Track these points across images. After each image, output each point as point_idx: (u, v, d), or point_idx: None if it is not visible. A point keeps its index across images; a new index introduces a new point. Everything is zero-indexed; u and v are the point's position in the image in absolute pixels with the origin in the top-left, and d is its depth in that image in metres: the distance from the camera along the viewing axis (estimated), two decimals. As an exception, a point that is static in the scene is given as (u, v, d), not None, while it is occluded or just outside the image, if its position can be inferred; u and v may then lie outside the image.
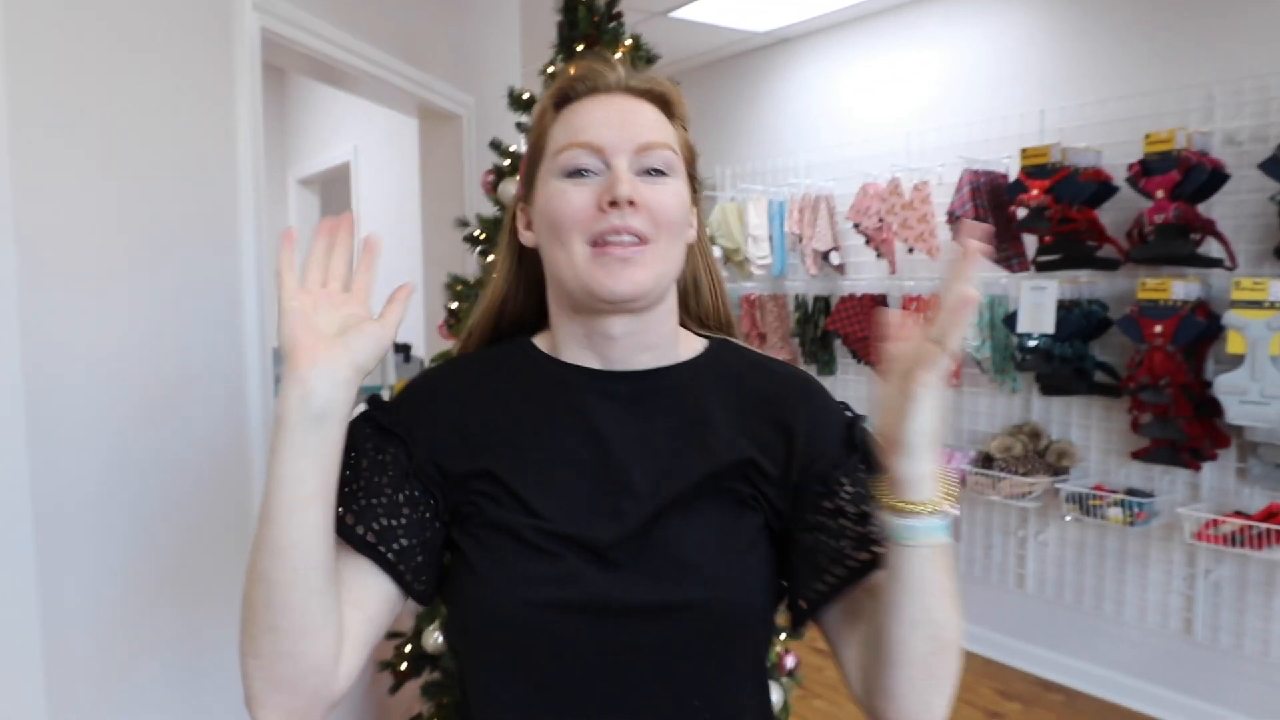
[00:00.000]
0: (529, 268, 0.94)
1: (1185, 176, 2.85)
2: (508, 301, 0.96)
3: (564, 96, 0.89)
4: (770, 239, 4.50)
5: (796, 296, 4.54)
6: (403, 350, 3.92)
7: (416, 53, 2.85)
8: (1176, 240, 2.89)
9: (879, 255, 4.05)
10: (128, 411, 1.57)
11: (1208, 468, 3.09)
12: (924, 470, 0.74)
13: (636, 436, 0.86)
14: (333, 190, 5.56)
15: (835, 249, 4.26)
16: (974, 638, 3.95)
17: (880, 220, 3.93)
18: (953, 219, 3.55)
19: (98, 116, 1.52)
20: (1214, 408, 2.87)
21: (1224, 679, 3.14)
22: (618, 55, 1.97)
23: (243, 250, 1.93)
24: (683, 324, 0.97)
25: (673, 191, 0.85)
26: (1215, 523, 2.95)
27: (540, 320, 0.95)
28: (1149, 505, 3.14)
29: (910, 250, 3.82)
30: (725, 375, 0.92)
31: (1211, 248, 2.97)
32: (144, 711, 1.60)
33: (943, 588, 0.77)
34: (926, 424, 0.73)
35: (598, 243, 0.82)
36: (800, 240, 4.36)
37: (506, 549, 0.81)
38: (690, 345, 0.95)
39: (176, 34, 1.74)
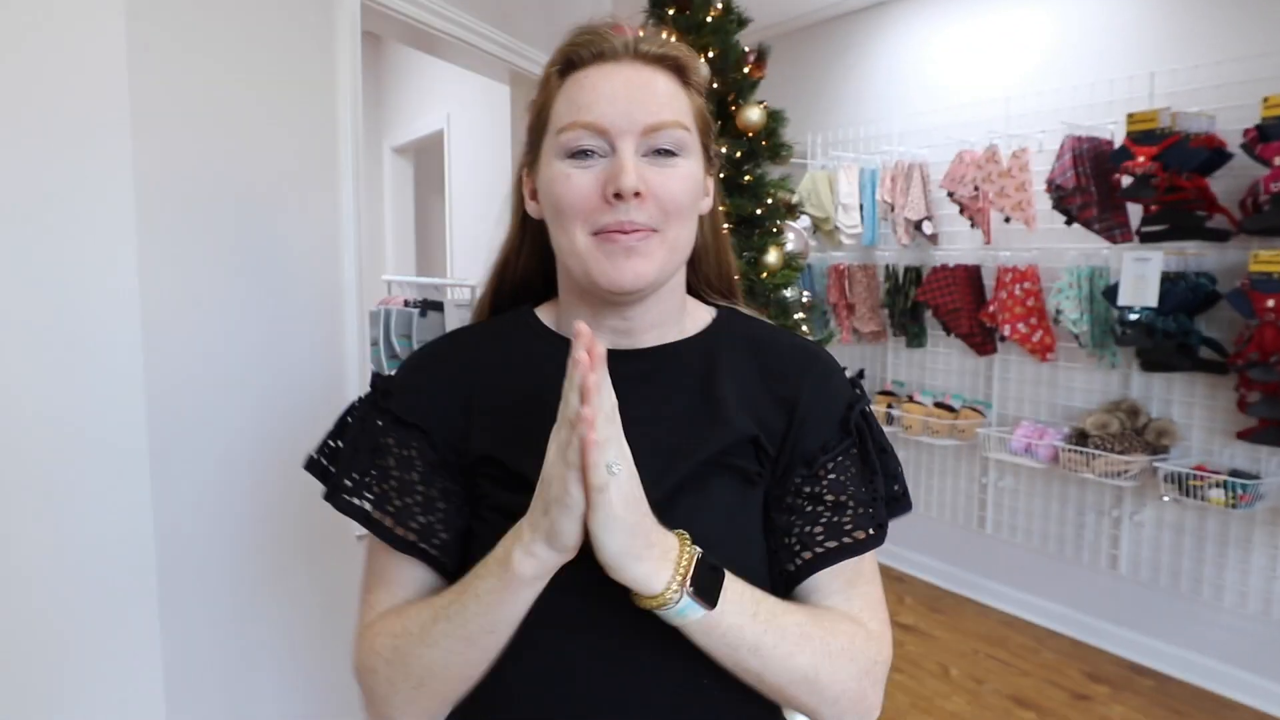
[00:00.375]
0: (534, 233, 0.91)
1: (1306, 143, 2.69)
2: (509, 265, 0.94)
3: (569, 62, 0.82)
4: (861, 208, 4.42)
5: (887, 267, 4.45)
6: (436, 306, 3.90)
7: (508, 18, 2.87)
8: (1294, 210, 2.74)
9: (973, 225, 3.94)
10: (237, 391, 1.63)
11: (1320, 450, 2.94)
12: (638, 571, 0.71)
13: (644, 416, 0.82)
14: (426, 158, 5.67)
15: (928, 218, 4.17)
16: (1062, 618, 3.86)
17: (976, 189, 3.82)
18: (1052, 188, 3.43)
19: (208, 91, 1.59)
20: (1329, 387, 2.73)
21: (1330, 670, 3.01)
22: (708, 19, 1.96)
23: (343, 219, 2.00)
24: (692, 290, 0.94)
25: (683, 175, 0.81)
26: (1326, 507, 2.81)
27: (544, 285, 0.93)
28: (1254, 487, 3.01)
29: (1007, 220, 3.71)
30: (734, 348, 0.89)
31: (1333, 218, 2.81)
32: (257, 701, 1.68)
33: (745, 644, 0.75)
34: (609, 539, 0.69)
35: (600, 232, 0.79)
36: (892, 209, 4.28)
37: (509, 527, 0.79)
38: (698, 317, 0.92)
39: (279, 4, 1.80)
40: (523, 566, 0.71)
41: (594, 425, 0.65)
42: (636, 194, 0.77)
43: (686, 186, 0.81)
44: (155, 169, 1.45)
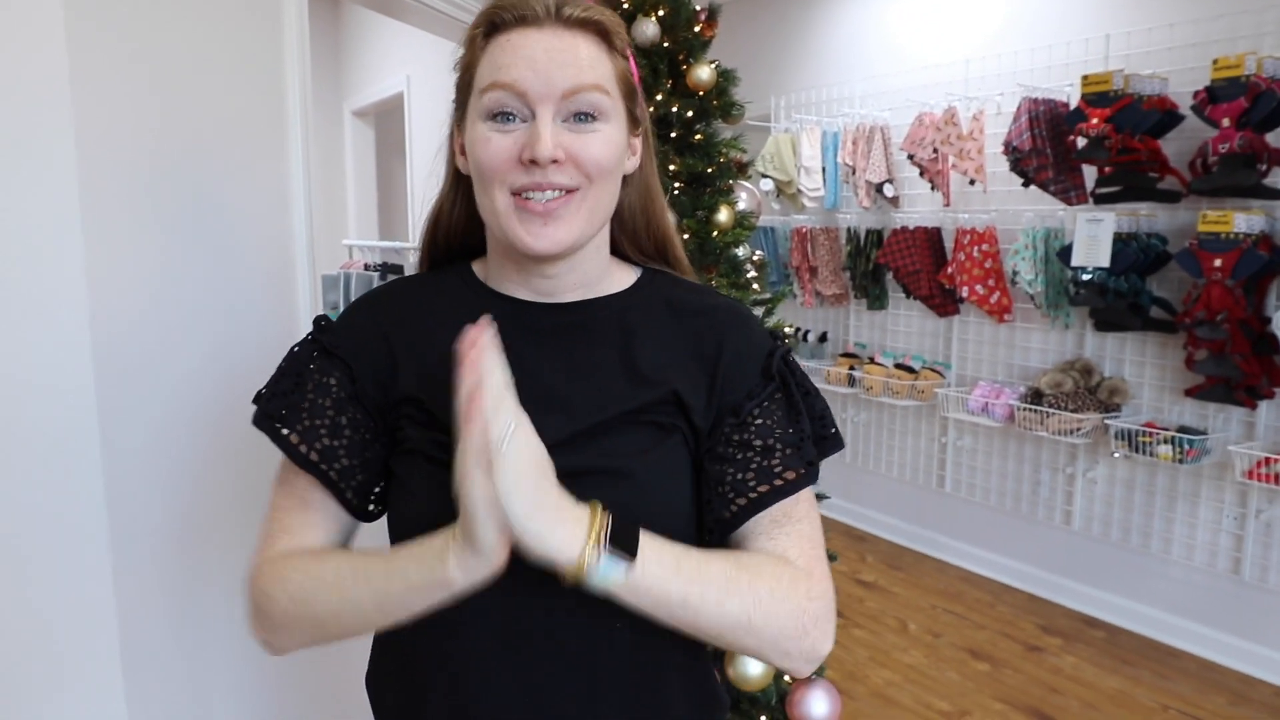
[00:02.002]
0: (466, 187, 0.92)
1: (1253, 104, 2.74)
2: (442, 215, 0.96)
3: (492, 25, 0.83)
4: (823, 170, 4.44)
5: (849, 229, 4.48)
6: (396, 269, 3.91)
7: (464, -22, 2.84)
8: (1241, 170, 2.79)
9: (933, 188, 3.97)
10: (187, 352, 1.62)
11: (1264, 406, 3.02)
12: (552, 541, 0.71)
13: (565, 367, 0.86)
14: (387, 121, 5.60)
15: (889, 181, 4.19)
16: (1018, 573, 3.95)
17: (935, 151, 3.85)
18: (1009, 150, 3.46)
19: (149, 52, 1.56)
20: (1272, 344, 2.80)
21: (1272, 619, 3.11)
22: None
23: (292, 181, 1.98)
24: (621, 252, 0.96)
25: (602, 140, 0.82)
26: (1268, 461, 2.89)
27: (480, 239, 0.94)
28: (1199, 443, 3.09)
29: (972, 182, 3.74)
30: (654, 306, 0.92)
31: (1279, 179, 2.86)
32: (206, 626, 1.70)
33: (666, 602, 0.76)
34: (513, 505, 0.70)
35: (519, 194, 0.81)
36: (853, 172, 4.30)
37: (432, 471, 0.81)
38: (622, 277, 0.94)
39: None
40: (454, 573, 0.73)
41: (479, 397, 0.68)
42: (554, 161, 0.79)
43: (606, 151, 0.82)
44: (96, 133, 1.43)
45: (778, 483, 0.85)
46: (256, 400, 0.90)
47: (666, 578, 0.76)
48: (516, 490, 0.69)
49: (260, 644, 0.87)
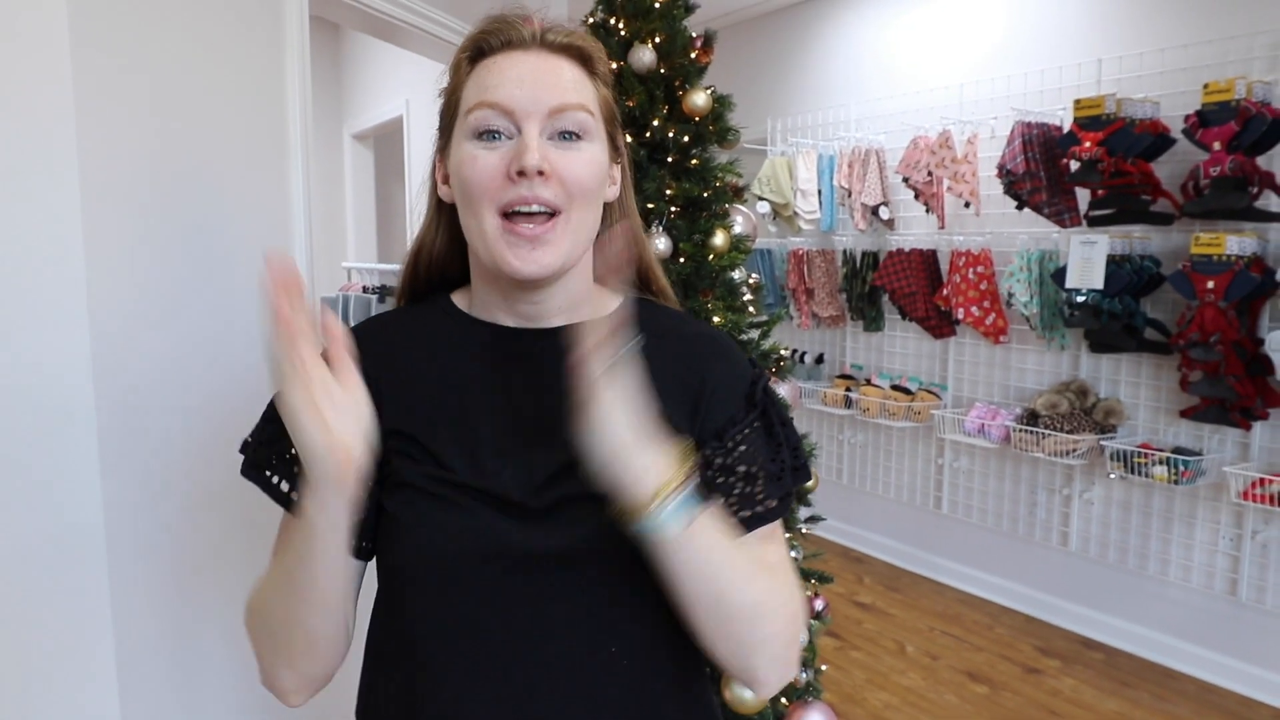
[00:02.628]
0: (449, 218, 0.93)
1: (1244, 128, 2.77)
2: (424, 248, 0.96)
3: (478, 50, 0.85)
4: (819, 193, 4.47)
5: (845, 251, 4.51)
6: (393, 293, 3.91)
7: (462, 4, 2.87)
8: (1232, 194, 2.81)
9: (928, 210, 4.00)
10: (183, 369, 1.64)
11: (1258, 427, 3.03)
12: (639, 462, 0.72)
13: (548, 392, 0.85)
14: (386, 145, 5.64)
15: (884, 203, 4.22)
16: (1015, 595, 3.95)
17: (929, 174, 3.88)
18: (1003, 173, 3.49)
19: (153, 76, 1.58)
20: (1266, 366, 2.81)
21: (1269, 640, 3.11)
22: (656, 5, 1.97)
23: (293, 204, 1.99)
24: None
25: (587, 159, 0.83)
26: (1263, 481, 2.90)
27: (460, 272, 0.95)
28: (1195, 464, 3.10)
29: (966, 205, 3.77)
30: (636, 330, 0.90)
31: (1271, 201, 2.89)
32: (206, 675, 1.70)
33: (702, 571, 0.76)
34: (613, 425, 0.72)
35: (508, 214, 0.81)
36: (849, 194, 4.33)
37: (421, 502, 0.82)
38: (604, 304, 0.93)
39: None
40: (308, 507, 0.74)
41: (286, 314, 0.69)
42: (540, 173, 0.80)
43: (590, 170, 0.83)
44: (99, 156, 1.44)
45: (759, 509, 0.86)
46: (243, 450, 0.90)
47: (711, 545, 0.76)
48: (621, 407, 0.71)
49: (278, 697, 0.87)
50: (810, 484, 2.02)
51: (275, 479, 0.87)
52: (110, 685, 1.47)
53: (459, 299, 0.95)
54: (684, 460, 0.75)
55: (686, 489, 0.74)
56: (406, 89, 4.81)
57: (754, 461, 0.86)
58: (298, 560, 0.77)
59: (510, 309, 0.89)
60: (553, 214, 0.82)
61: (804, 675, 2.02)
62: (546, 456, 0.83)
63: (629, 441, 0.72)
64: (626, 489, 0.73)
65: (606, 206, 0.91)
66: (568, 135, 0.82)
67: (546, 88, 0.81)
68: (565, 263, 0.84)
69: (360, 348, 0.89)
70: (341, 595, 0.81)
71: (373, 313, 3.60)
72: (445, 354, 0.90)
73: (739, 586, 0.78)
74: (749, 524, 0.85)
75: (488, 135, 0.82)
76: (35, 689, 1.38)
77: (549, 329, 0.90)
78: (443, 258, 0.96)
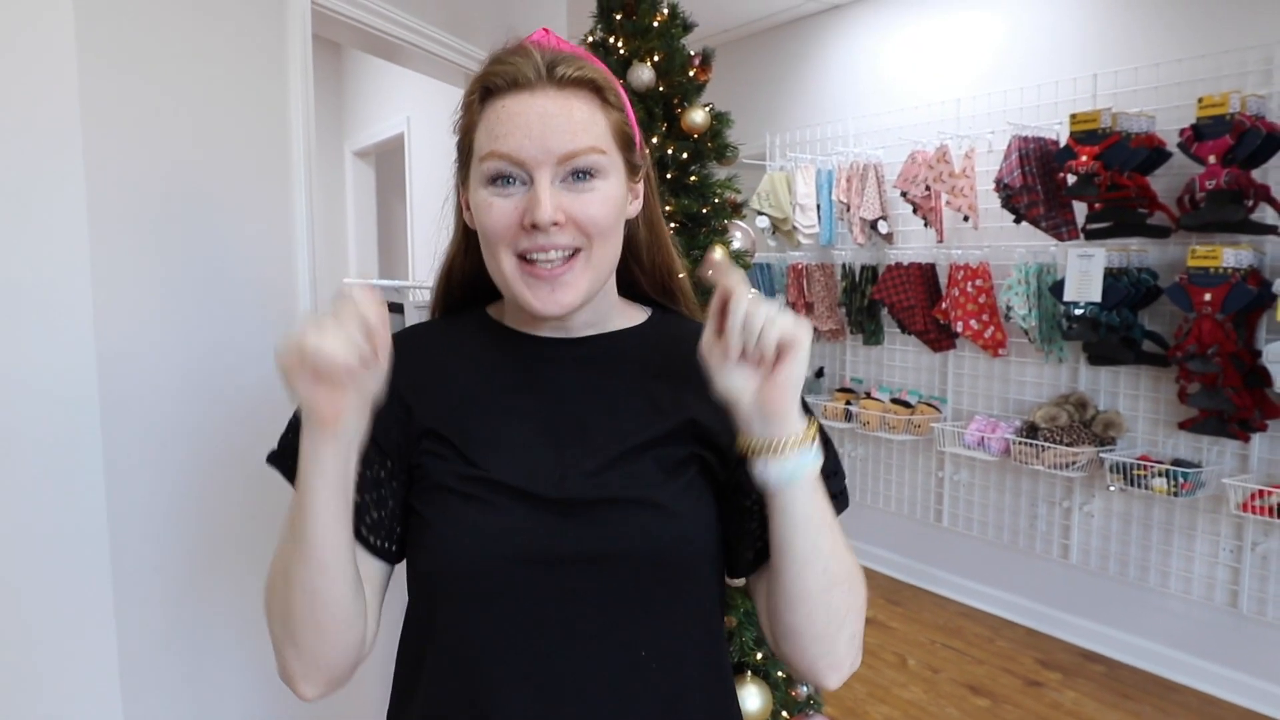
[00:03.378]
0: (476, 239, 0.93)
1: (1238, 141, 2.79)
2: (455, 262, 0.98)
3: (487, 90, 0.85)
4: (818, 208, 4.49)
5: (844, 265, 4.53)
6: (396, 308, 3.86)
7: (463, 23, 2.90)
8: (1228, 206, 2.83)
9: (926, 224, 4.02)
10: (188, 382, 1.65)
11: (1257, 439, 3.04)
12: (792, 414, 0.78)
13: (587, 397, 0.88)
14: (387, 162, 5.67)
15: (883, 218, 4.24)
16: (1016, 607, 3.95)
17: (928, 188, 3.91)
18: (1000, 187, 3.52)
19: (158, 93, 1.60)
20: (1264, 377, 2.82)
21: (1270, 652, 3.11)
22: (654, 24, 2.00)
23: (296, 220, 2.01)
24: (633, 286, 0.99)
25: (601, 198, 0.84)
26: (1262, 493, 2.91)
27: (491, 284, 0.95)
28: (1194, 476, 3.10)
29: (965, 219, 3.79)
30: (665, 343, 0.94)
31: (1266, 214, 2.91)
32: (213, 683, 1.71)
33: (824, 521, 0.81)
34: (793, 390, 0.77)
35: (525, 257, 0.83)
36: (848, 209, 4.35)
37: (455, 503, 0.83)
38: (632, 315, 0.96)
39: (230, 9, 1.82)
40: (303, 452, 0.76)
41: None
42: (555, 224, 0.81)
43: (605, 210, 0.84)
44: (105, 170, 1.46)
45: (834, 501, 0.88)
46: (271, 460, 0.90)
47: (826, 505, 0.82)
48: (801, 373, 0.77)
49: (289, 686, 0.86)
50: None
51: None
52: (113, 682, 1.48)
53: (494, 311, 0.97)
54: (813, 421, 0.82)
55: (816, 442, 0.80)
56: (408, 106, 4.83)
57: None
58: (294, 516, 0.78)
59: (538, 324, 0.91)
60: (572, 253, 0.83)
61: (805, 689, 2.03)
62: (580, 459, 0.84)
63: (793, 399, 0.78)
64: (781, 426, 0.78)
65: (634, 221, 0.93)
66: (581, 175, 0.83)
67: (556, 133, 0.81)
68: (586, 297, 0.85)
69: (396, 352, 0.89)
70: (341, 557, 0.80)
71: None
72: (480, 360, 0.92)
73: (842, 551, 0.83)
74: None
75: (501, 181, 0.83)
76: (38, 685, 1.39)
77: (581, 338, 0.92)
78: (473, 274, 0.97)
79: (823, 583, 0.82)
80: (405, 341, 0.94)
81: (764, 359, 0.76)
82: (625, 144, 0.88)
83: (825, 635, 0.84)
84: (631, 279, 0.99)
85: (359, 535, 0.87)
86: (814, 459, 0.79)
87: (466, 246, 0.97)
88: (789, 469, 0.78)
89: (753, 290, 0.77)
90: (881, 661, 3.56)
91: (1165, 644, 3.42)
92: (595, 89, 0.85)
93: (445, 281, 1.00)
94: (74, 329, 1.42)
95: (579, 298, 0.84)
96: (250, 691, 1.76)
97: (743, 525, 0.88)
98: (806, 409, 0.84)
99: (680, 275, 1.02)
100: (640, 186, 0.93)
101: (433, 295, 1.02)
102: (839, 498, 0.90)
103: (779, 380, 0.76)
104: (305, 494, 0.77)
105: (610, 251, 0.87)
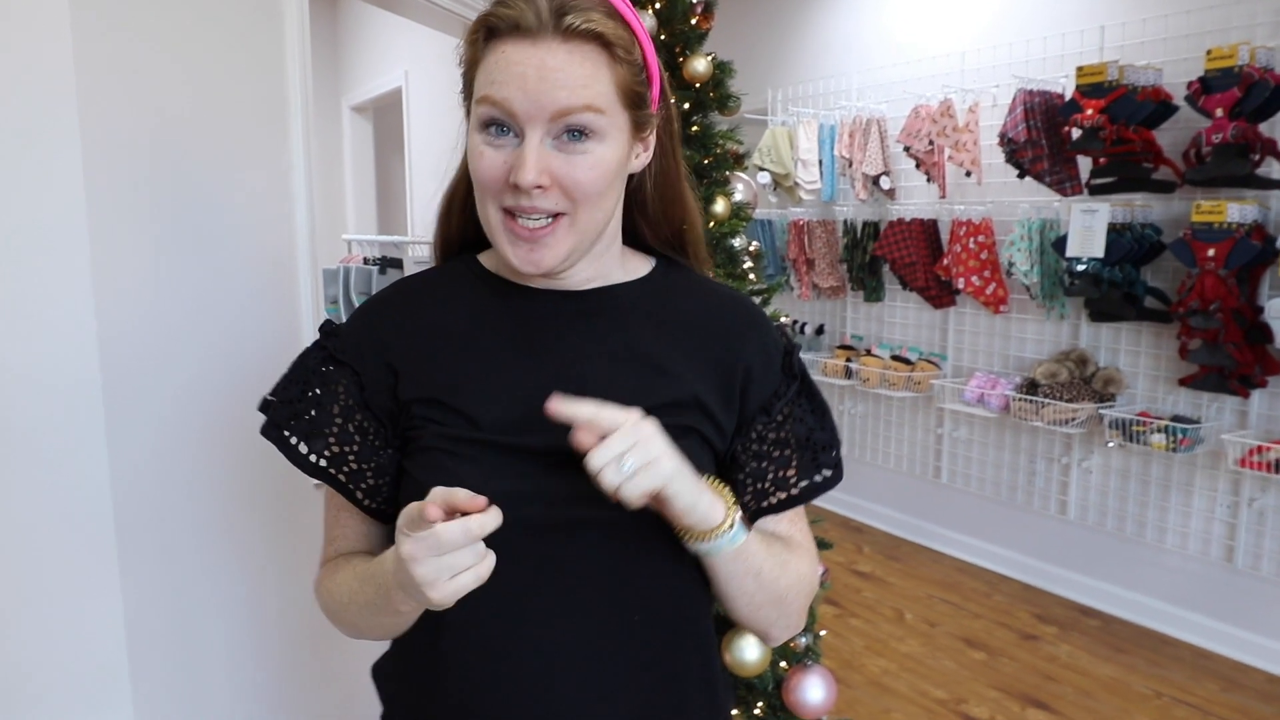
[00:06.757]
0: None
1: (1246, 94, 2.76)
2: (456, 193, 0.96)
3: (489, 30, 0.80)
4: (820, 163, 4.45)
5: (845, 221, 4.50)
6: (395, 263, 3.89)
7: (461, -28, 2.85)
8: (1234, 161, 2.81)
9: (929, 179, 3.99)
10: (190, 345, 1.64)
11: (1256, 395, 3.04)
12: (699, 504, 0.80)
13: (581, 352, 0.87)
14: (385, 117, 5.61)
15: (885, 173, 4.21)
16: (1013, 563, 3.98)
17: (931, 143, 3.87)
18: (1004, 141, 3.48)
19: (152, 48, 1.57)
20: (1265, 334, 2.81)
21: (1265, 606, 3.14)
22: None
23: (294, 175, 1.99)
24: (640, 237, 0.96)
25: (593, 161, 0.80)
26: (1260, 449, 2.92)
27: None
28: (1192, 431, 3.11)
29: (968, 174, 3.76)
30: (666, 299, 0.92)
31: (1273, 168, 2.89)
32: (213, 645, 1.72)
33: (748, 572, 0.86)
34: (683, 475, 0.78)
35: (510, 212, 0.81)
36: (850, 164, 4.31)
37: (451, 463, 0.82)
38: (635, 267, 0.94)
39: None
40: (402, 605, 0.79)
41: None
42: (539, 187, 0.78)
43: (594, 174, 0.80)
44: (100, 132, 1.44)
45: (818, 479, 0.91)
46: (263, 408, 0.90)
47: (756, 551, 0.86)
48: (682, 469, 0.78)
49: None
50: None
51: (294, 439, 0.88)
52: (121, 665, 1.49)
53: (486, 260, 0.94)
54: (730, 499, 0.85)
55: (738, 520, 0.83)
56: (405, 60, 4.78)
57: (808, 431, 0.90)
58: (380, 610, 0.83)
59: (534, 278, 0.88)
60: (556, 215, 0.81)
61: (803, 640, 2.04)
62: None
63: (696, 487, 0.79)
64: (700, 523, 0.81)
65: (647, 169, 0.90)
66: (575, 134, 0.79)
67: (551, 88, 0.77)
68: (568, 258, 0.84)
69: (381, 316, 0.91)
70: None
71: (374, 285, 3.60)
72: (472, 314, 0.90)
73: (773, 579, 0.88)
74: (807, 493, 0.90)
75: (495, 129, 0.80)
76: (45, 668, 1.40)
77: (577, 291, 0.90)
78: (474, 207, 0.92)
79: (751, 606, 0.90)
80: (391, 303, 0.93)
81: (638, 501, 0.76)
82: (633, 102, 0.82)
83: (754, 626, 0.94)
84: (636, 230, 0.96)
85: (356, 500, 0.89)
86: (734, 539, 0.83)
87: (469, 180, 0.94)
88: (712, 548, 0.83)
89: (593, 418, 0.74)
90: (879, 616, 3.60)
91: (1160, 598, 3.46)
92: (604, 44, 0.79)
93: (446, 209, 0.98)
94: (74, 292, 1.41)
95: (557, 260, 0.82)
96: (252, 663, 1.78)
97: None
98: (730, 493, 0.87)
99: (694, 228, 0.99)
100: (651, 139, 0.88)
101: (434, 241, 1.00)
102: (834, 470, 0.92)
103: (664, 504, 0.78)
104: (402, 623, 0.85)
105: (599, 215, 0.84)
